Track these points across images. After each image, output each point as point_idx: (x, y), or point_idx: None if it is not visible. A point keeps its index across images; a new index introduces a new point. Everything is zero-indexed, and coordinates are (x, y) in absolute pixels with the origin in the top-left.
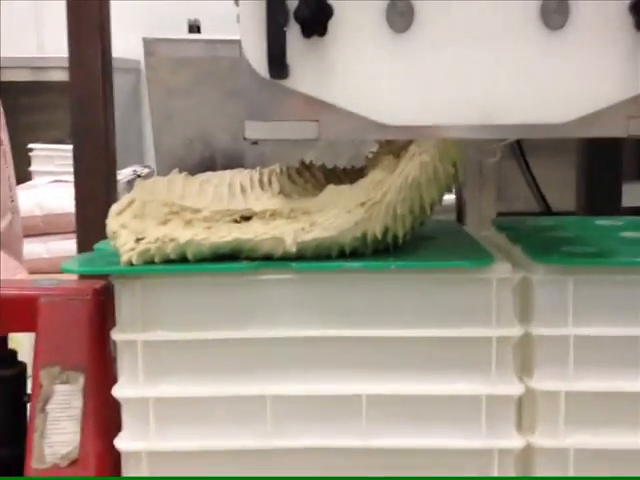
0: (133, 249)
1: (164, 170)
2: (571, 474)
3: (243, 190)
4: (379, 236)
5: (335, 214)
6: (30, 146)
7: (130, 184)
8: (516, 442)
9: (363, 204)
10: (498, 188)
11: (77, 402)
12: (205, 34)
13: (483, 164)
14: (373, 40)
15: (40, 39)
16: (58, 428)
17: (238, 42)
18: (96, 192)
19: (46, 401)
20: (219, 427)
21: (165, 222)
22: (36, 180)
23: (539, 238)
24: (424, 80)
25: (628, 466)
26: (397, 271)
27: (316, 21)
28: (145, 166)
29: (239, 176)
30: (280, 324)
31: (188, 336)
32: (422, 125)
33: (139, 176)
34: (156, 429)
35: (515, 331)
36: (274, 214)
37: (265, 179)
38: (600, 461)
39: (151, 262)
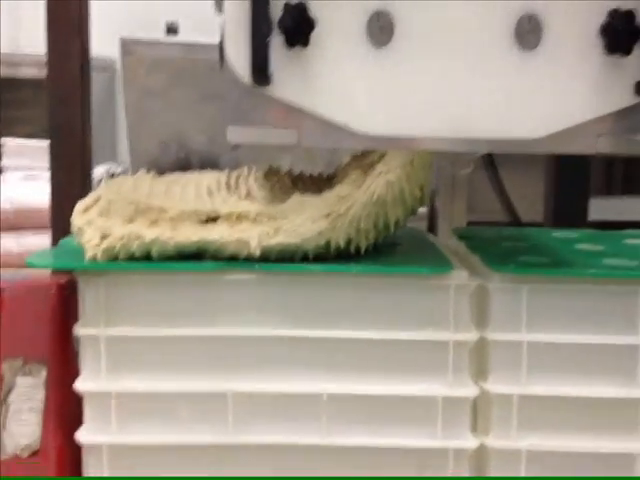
0: (98, 245)
1: (139, 170)
2: (523, 475)
3: (210, 192)
4: (342, 246)
5: (299, 222)
6: (1, 140)
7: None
8: (470, 443)
9: (328, 215)
10: (469, 199)
11: (39, 395)
12: (183, 36)
13: (455, 175)
14: (354, 52)
15: (14, 36)
16: (19, 420)
17: (216, 45)
18: (72, 188)
19: (8, 393)
20: (180, 423)
21: (131, 220)
22: (7, 174)
23: (497, 247)
24: (401, 93)
25: (577, 468)
26: (358, 275)
27: (299, 32)
28: (119, 164)
29: (207, 178)
30: (243, 323)
31: (151, 332)
32: (398, 136)
33: (112, 175)
34: (117, 423)
35: (471, 336)
36: (240, 217)
37: (232, 182)
38: (551, 463)
39: (115, 259)
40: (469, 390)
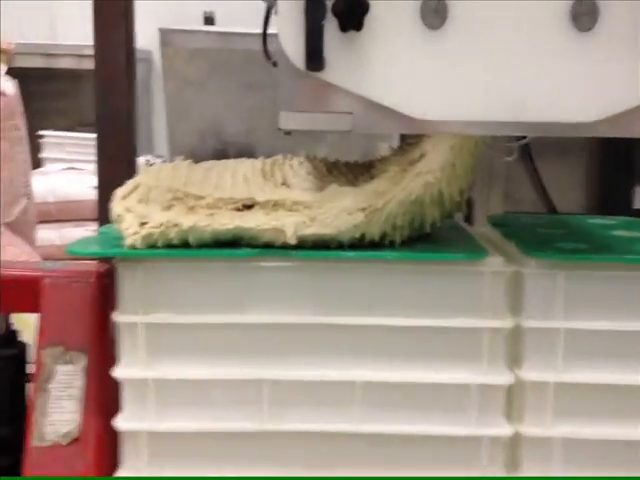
0: (137, 233)
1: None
2: (557, 463)
3: (246, 179)
4: (376, 240)
5: (336, 214)
6: (41, 133)
7: None
8: (505, 430)
9: (364, 209)
10: (505, 188)
11: (78, 382)
12: (219, 26)
13: (493, 164)
14: (407, 36)
15: (53, 26)
16: (59, 407)
17: (253, 35)
18: (118, 179)
19: (48, 380)
20: (217, 409)
21: (169, 207)
22: (48, 167)
23: (533, 234)
24: (456, 77)
25: (613, 457)
26: (393, 262)
27: (353, 16)
28: (157, 156)
29: (242, 165)
30: (278, 310)
31: (188, 319)
32: (453, 120)
33: (152, 165)
34: (155, 410)
35: (506, 323)
36: (276, 205)
37: (268, 169)
38: (586, 451)
39: (154, 246)
40: (504, 378)
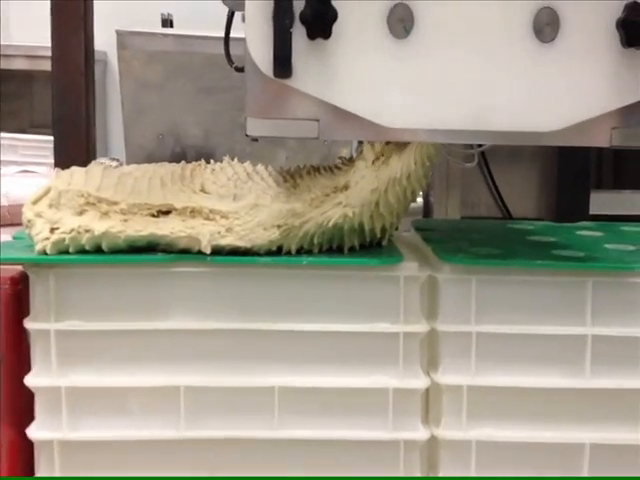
0: (47, 238)
1: (134, 163)
2: (473, 466)
3: (164, 184)
4: (293, 252)
5: (251, 227)
6: None
7: None
8: (421, 434)
9: (280, 227)
10: (462, 194)
11: None
12: (177, 29)
13: (450, 169)
14: (375, 44)
15: (5, 27)
16: None
17: (211, 38)
18: None
19: None
20: (132, 417)
21: (81, 213)
22: (2, 170)
23: (452, 239)
24: (421, 85)
25: (527, 459)
26: (309, 267)
27: (321, 23)
28: (113, 159)
29: (162, 170)
30: (194, 316)
31: (101, 326)
32: (418, 128)
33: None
34: (68, 419)
35: (421, 327)
36: (193, 211)
37: (187, 174)
38: (501, 453)
39: (65, 252)
40: (420, 381)
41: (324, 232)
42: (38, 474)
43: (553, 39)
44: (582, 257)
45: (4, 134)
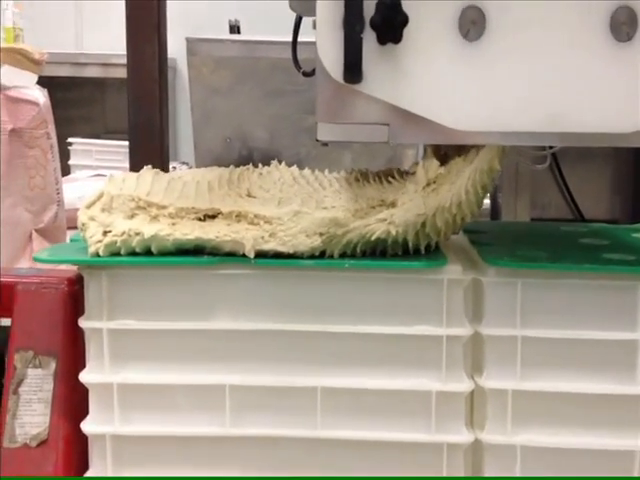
0: (100, 241)
1: (203, 167)
2: (518, 470)
3: (211, 188)
4: (336, 257)
5: (294, 233)
6: (69, 140)
7: None
8: (465, 437)
9: (322, 234)
10: (532, 194)
11: (48, 386)
12: (245, 34)
13: (519, 170)
14: (445, 47)
15: (79, 35)
16: (29, 410)
17: (277, 43)
18: None
19: (19, 383)
20: (179, 414)
21: (132, 216)
22: (77, 174)
23: (500, 242)
24: (494, 87)
25: (573, 464)
26: (352, 270)
27: (391, 29)
28: (183, 163)
29: (210, 174)
30: (239, 317)
31: (151, 325)
32: (490, 131)
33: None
34: (119, 414)
35: (464, 331)
36: (239, 216)
37: (235, 178)
38: (546, 459)
39: (117, 254)
40: (463, 385)
41: (367, 242)
42: (92, 467)
43: (631, 38)
44: (631, 260)
45: (79, 139)
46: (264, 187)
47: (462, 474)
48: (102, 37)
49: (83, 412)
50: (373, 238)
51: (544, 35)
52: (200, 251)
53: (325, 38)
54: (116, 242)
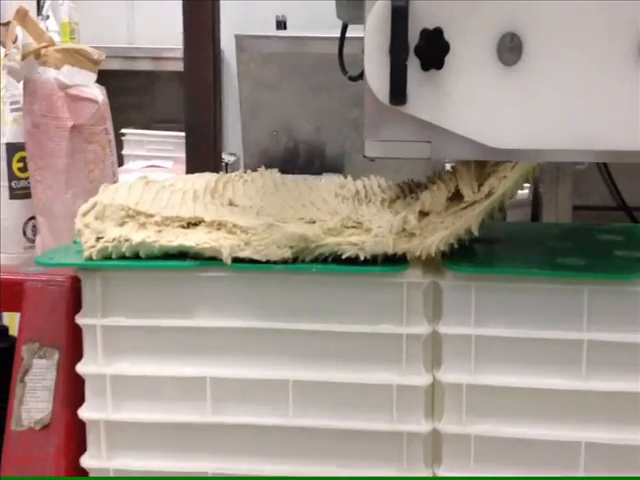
0: (94, 246)
1: (250, 159)
2: (472, 459)
3: (196, 197)
4: (307, 262)
5: (266, 244)
6: (122, 131)
7: None
8: (423, 427)
9: (292, 247)
10: (574, 182)
11: (52, 375)
12: (291, 31)
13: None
14: (485, 72)
15: (130, 30)
16: (34, 396)
17: (323, 39)
18: None
19: (25, 373)
20: (166, 402)
21: (122, 224)
22: (130, 164)
23: (467, 246)
24: (530, 108)
25: (524, 455)
26: (319, 273)
27: (434, 56)
28: (231, 154)
29: (199, 182)
30: (219, 315)
31: (140, 322)
32: (526, 149)
33: (226, 164)
34: (112, 402)
35: (423, 329)
36: (220, 224)
37: (220, 187)
38: (499, 449)
39: (109, 258)
40: (421, 379)
41: (338, 257)
42: (88, 449)
43: None
44: (582, 266)
45: (132, 130)
46: (247, 194)
47: (422, 461)
48: (153, 30)
49: (82, 400)
50: (344, 257)
51: (576, 59)
52: (184, 255)
53: (373, 64)
54: (108, 247)
